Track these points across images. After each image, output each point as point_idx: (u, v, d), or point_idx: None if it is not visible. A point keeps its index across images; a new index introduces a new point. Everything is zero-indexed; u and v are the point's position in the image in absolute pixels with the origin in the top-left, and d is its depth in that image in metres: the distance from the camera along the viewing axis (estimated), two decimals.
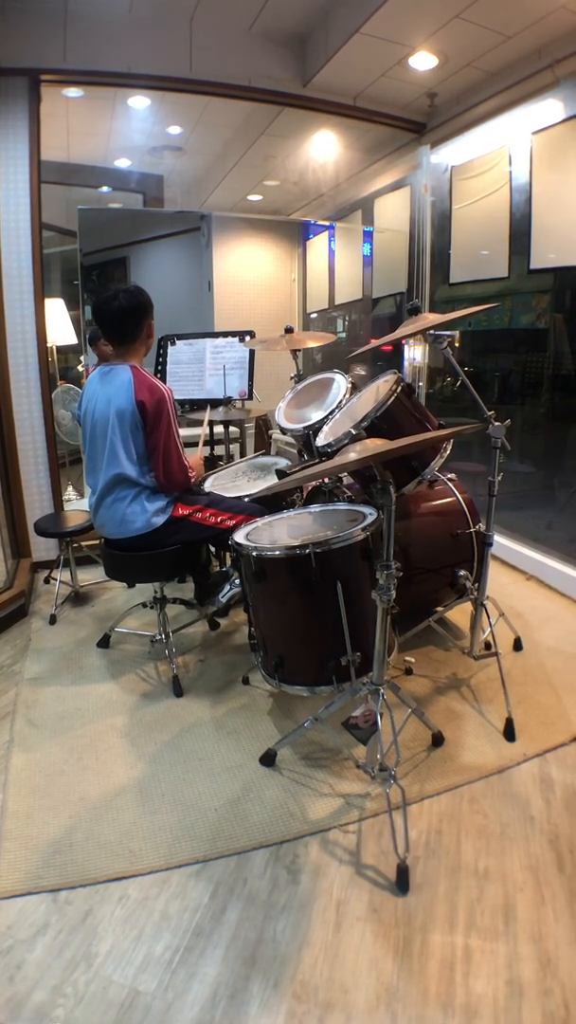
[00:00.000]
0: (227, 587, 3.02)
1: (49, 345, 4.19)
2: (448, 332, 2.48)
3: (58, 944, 1.63)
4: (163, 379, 4.10)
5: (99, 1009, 1.47)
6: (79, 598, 3.76)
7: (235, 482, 3.27)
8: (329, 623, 2.12)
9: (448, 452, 2.49)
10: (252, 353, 4.20)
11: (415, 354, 4.90)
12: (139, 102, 4.39)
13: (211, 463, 3.85)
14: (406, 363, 4.94)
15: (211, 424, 3.44)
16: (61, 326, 5.18)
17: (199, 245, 6.19)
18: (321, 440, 2.65)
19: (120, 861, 1.89)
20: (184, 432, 2.77)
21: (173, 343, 4.17)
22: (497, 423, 2.38)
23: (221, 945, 1.63)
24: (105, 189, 5.83)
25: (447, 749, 2.33)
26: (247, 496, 2.89)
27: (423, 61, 3.84)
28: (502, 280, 4.20)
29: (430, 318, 2.44)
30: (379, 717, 1.94)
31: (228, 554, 3.29)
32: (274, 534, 2.42)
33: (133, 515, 2.61)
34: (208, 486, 3.17)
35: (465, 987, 1.50)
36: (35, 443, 3.99)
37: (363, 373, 5.71)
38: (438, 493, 3.01)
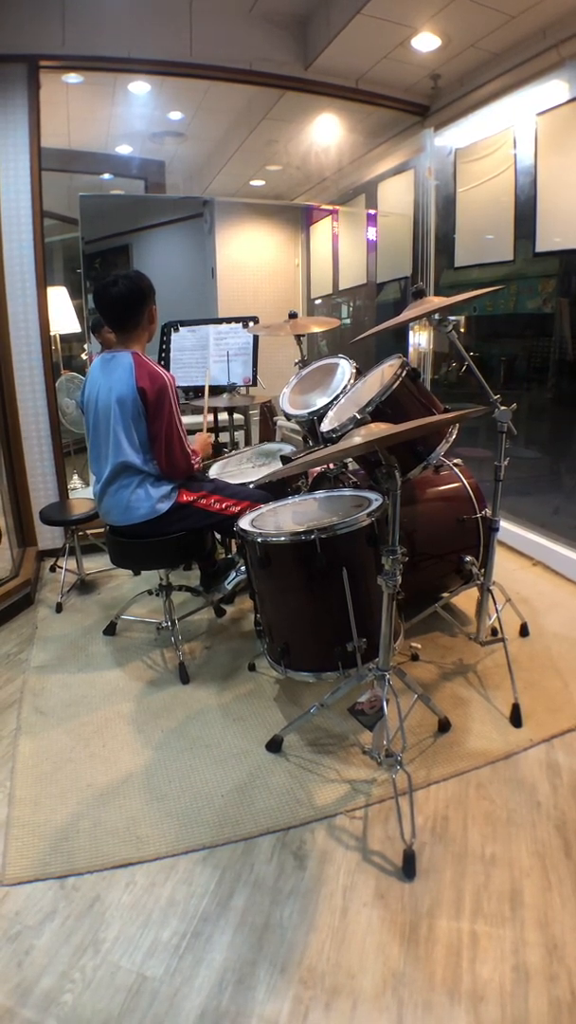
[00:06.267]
0: (232, 574, 3.02)
1: (52, 333, 4.18)
2: (452, 317, 2.46)
3: (66, 930, 1.63)
4: (166, 366, 4.08)
5: (107, 994, 1.47)
6: (85, 586, 3.76)
7: (240, 468, 3.26)
8: (335, 609, 2.11)
9: (454, 437, 2.47)
10: (256, 339, 4.18)
11: (420, 339, 4.87)
12: (139, 87, 4.35)
13: (215, 451, 3.84)
14: (411, 348, 4.92)
15: (215, 411, 3.43)
16: (64, 314, 5.16)
17: (202, 231, 6.15)
18: (326, 425, 2.64)
19: (127, 847, 1.89)
20: (190, 420, 2.76)
21: (176, 330, 4.14)
22: (503, 407, 2.36)
23: (228, 931, 1.63)
24: (106, 176, 5.79)
25: (453, 735, 2.33)
26: (252, 482, 2.88)
27: (426, 42, 3.79)
28: (507, 264, 4.16)
29: (435, 301, 2.41)
30: (385, 703, 1.94)
31: (233, 541, 3.29)
32: (279, 520, 2.41)
33: (138, 501, 2.60)
34: (213, 473, 3.17)
35: (472, 973, 1.50)
36: (39, 432, 3.99)
37: None
38: (444, 478, 3.00)
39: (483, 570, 2.67)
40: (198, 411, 3.77)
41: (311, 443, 3.13)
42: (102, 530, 3.36)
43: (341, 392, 2.91)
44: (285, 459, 2.88)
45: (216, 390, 3.81)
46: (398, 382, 2.35)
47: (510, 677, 2.46)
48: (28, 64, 3.57)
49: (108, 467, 2.60)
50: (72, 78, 4.05)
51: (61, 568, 3.66)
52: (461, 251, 4.59)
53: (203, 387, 3.66)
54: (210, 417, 3.44)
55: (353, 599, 2.09)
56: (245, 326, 4.08)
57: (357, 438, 1.80)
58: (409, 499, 2.87)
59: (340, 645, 2.13)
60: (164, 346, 4.13)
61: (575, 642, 2.93)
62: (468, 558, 2.81)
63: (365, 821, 1.98)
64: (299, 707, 2.52)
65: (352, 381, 2.95)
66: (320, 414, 2.89)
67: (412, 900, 1.70)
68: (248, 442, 4.76)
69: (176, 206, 6.23)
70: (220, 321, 4.22)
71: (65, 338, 5.54)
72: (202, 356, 4.14)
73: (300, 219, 6.51)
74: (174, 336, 4.14)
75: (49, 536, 4.10)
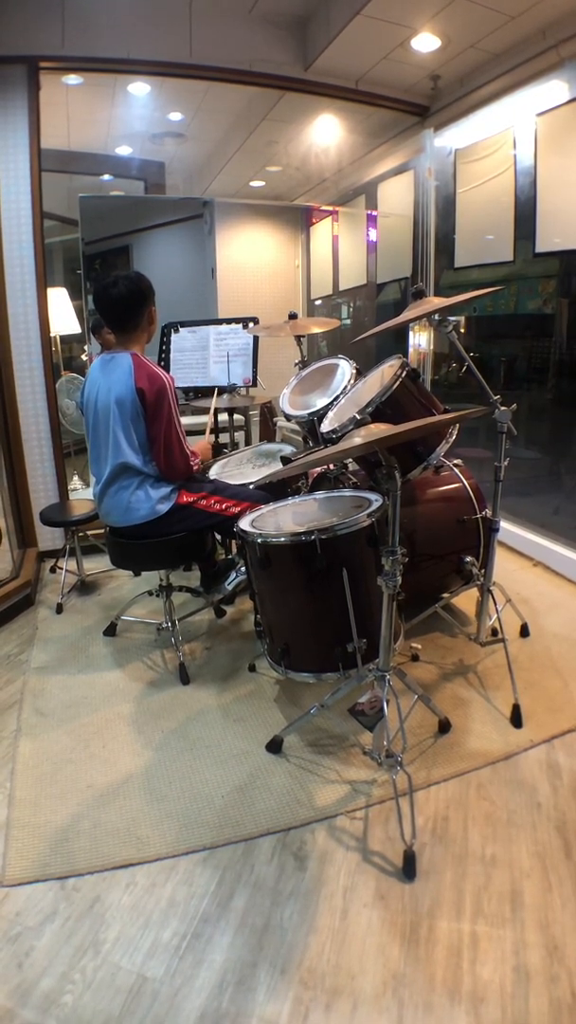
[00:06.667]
0: (232, 574, 3.01)
1: (52, 335, 4.18)
2: (453, 317, 2.46)
3: (66, 931, 1.63)
4: (166, 367, 4.08)
5: (107, 995, 1.47)
6: (85, 587, 3.76)
7: (240, 469, 3.26)
8: (335, 610, 2.11)
9: (454, 438, 2.47)
10: (256, 340, 4.18)
11: (420, 340, 4.87)
12: (139, 88, 4.36)
13: (216, 451, 3.84)
14: (411, 349, 4.91)
15: (216, 412, 3.43)
16: (64, 315, 5.17)
17: (202, 232, 6.14)
18: (326, 426, 2.64)
19: (127, 848, 1.89)
20: (190, 420, 2.75)
21: (176, 330, 4.14)
22: (503, 408, 2.36)
23: (228, 932, 1.63)
24: (106, 177, 5.79)
25: (454, 735, 2.32)
26: (252, 483, 2.88)
27: (425, 43, 3.79)
28: (507, 264, 4.16)
29: (435, 302, 2.41)
30: (385, 703, 1.94)
31: (233, 541, 3.28)
32: (279, 521, 2.41)
33: (138, 502, 2.60)
34: (213, 474, 3.16)
35: (472, 974, 1.50)
36: (39, 433, 3.99)
37: None
38: (444, 479, 2.99)
39: (483, 571, 2.67)
40: (198, 412, 3.76)
41: (311, 444, 3.13)
42: (102, 531, 3.35)
43: (341, 393, 2.91)
44: (285, 460, 2.88)
45: (218, 390, 3.81)
46: (398, 383, 2.35)
47: (510, 678, 2.46)
48: (28, 65, 3.57)
49: (108, 468, 2.59)
50: (72, 79, 4.06)
51: (61, 569, 3.66)
52: (461, 252, 4.59)
53: (203, 387, 3.65)
54: (213, 417, 3.44)
55: (353, 600, 2.09)
56: (245, 327, 4.08)
57: (357, 439, 1.80)
58: (409, 500, 2.87)
59: (340, 646, 2.13)
60: (164, 347, 4.13)
61: (575, 642, 2.93)
62: (468, 559, 2.81)
63: (365, 822, 1.98)
64: (299, 708, 2.52)
65: (352, 382, 2.95)
66: (320, 415, 2.88)
67: (412, 901, 1.70)
68: (248, 443, 4.76)
69: (176, 207, 6.23)
70: (220, 322, 4.22)
71: (65, 339, 5.54)
72: (202, 357, 4.14)
73: (300, 220, 6.51)
74: (174, 337, 4.14)
75: (49, 537, 4.10)
